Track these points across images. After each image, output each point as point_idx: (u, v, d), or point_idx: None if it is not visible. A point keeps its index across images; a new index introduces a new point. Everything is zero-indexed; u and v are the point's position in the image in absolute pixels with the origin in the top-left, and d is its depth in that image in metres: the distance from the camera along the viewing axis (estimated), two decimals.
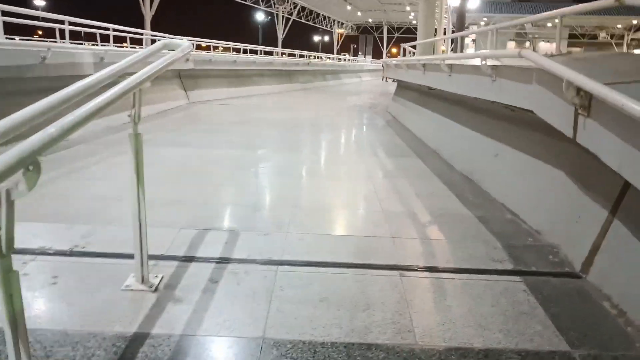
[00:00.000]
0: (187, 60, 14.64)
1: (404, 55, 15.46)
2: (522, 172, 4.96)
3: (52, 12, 10.27)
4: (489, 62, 5.10)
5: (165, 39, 3.68)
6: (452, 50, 15.95)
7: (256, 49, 23.75)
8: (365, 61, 54.09)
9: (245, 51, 23.12)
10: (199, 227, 4.06)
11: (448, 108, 7.71)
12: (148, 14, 27.52)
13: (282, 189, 5.60)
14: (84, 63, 8.49)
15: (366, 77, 44.62)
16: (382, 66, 15.59)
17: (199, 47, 22.66)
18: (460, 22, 17.90)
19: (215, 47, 21.16)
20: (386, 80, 33.05)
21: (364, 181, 6.05)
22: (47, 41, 9.64)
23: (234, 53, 22.64)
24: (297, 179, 6.15)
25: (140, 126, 2.96)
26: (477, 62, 5.76)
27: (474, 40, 33.42)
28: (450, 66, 6.83)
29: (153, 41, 17.31)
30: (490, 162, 5.76)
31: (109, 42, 12.86)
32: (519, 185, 4.94)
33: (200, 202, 4.84)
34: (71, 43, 10.13)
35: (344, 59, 46.42)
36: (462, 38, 9.33)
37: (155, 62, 3.17)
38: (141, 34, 16.17)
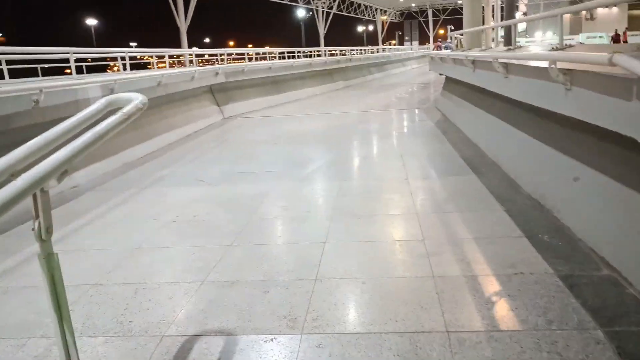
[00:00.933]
0: (217, 74, 13.80)
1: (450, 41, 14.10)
2: (615, 205, 3.71)
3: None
4: (560, 65, 3.85)
5: (110, 97, 2.66)
6: (503, 39, 14.41)
7: (293, 51, 22.75)
8: (412, 48, 52.24)
9: (283, 56, 22.19)
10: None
11: (509, 110, 6.41)
12: (183, 25, 26.99)
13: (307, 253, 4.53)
14: (90, 98, 7.69)
15: (413, 64, 42.95)
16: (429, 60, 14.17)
17: (230, 60, 21.85)
18: (510, 5, 16.26)
19: (250, 57, 20.27)
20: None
21: (407, 222, 4.88)
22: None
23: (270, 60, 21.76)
24: (318, 230, 5.05)
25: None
26: (538, 60, 4.51)
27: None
28: (506, 65, 5.56)
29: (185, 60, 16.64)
30: (569, 186, 4.49)
31: (133, 67, 12.17)
32: (613, 224, 3.69)
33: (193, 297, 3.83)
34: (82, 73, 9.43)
35: (387, 49, 44.82)
36: (515, 26, 7.97)
37: (72, 144, 2.13)
38: (162, 56, 15.34)
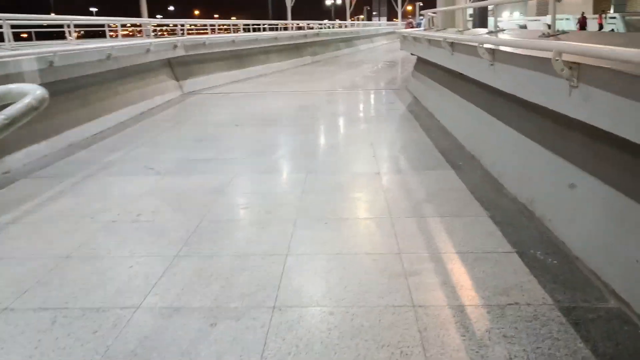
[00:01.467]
0: (175, 47, 12.89)
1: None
2: (620, 220, 3.20)
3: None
4: (565, 57, 3.28)
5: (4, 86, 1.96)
6: (471, 19, 13.90)
7: (259, 24, 21.78)
8: (380, 24, 51.41)
9: (248, 29, 21.21)
10: None
11: (492, 100, 5.86)
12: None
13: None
14: (24, 72, 6.85)
15: (381, 40, 42.22)
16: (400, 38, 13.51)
17: (192, 31, 20.75)
18: None
19: (212, 28, 19.15)
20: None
21: (380, 228, 4.31)
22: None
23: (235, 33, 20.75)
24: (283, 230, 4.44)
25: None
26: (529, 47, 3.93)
27: None
28: (493, 52, 4.97)
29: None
30: (563, 193, 3.97)
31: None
32: (618, 243, 3.19)
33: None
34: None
35: (356, 24, 43.89)
36: (496, 7, 7.32)
37: None
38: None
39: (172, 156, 6.99)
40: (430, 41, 8.66)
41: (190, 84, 13.98)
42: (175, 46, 12.78)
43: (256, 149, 7.29)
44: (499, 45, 4.81)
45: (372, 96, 12.54)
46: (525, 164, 4.79)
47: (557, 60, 3.26)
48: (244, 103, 11.92)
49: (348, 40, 31.55)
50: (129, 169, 6.42)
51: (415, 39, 10.42)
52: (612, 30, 17.22)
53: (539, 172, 4.48)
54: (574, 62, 3.23)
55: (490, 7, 14.62)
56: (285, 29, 29.11)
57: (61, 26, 11.03)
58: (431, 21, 13.84)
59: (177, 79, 13.53)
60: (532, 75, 3.94)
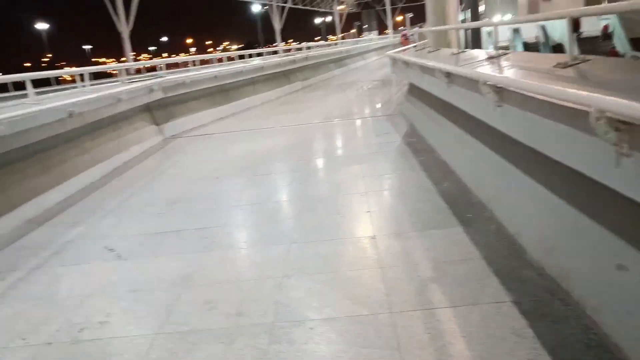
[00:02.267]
0: (152, 90, 12.07)
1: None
2: None
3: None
4: (610, 114, 2.38)
5: None
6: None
7: (244, 54, 21.02)
8: (371, 39, 50.83)
9: (232, 57, 20.43)
10: None
11: (502, 139, 4.94)
12: (125, 31, 24.98)
13: None
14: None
15: (372, 57, 41.48)
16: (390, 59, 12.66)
17: (172, 66, 20.01)
18: None
19: (196, 60, 18.39)
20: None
21: (378, 333, 3.39)
22: None
23: (221, 62, 19.96)
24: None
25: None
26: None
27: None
28: (499, 91, 4.08)
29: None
30: (609, 274, 3.05)
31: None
32: None
33: None
34: None
35: (345, 42, 43.22)
36: (496, 29, 6.48)
37: None
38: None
39: (139, 228, 6.10)
40: (423, 68, 7.79)
41: (171, 126, 13.15)
42: (151, 90, 11.97)
43: (234, 213, 6.40)
44: (508, 86, 3.91)
45: (365, 126, 11.65)
46: (550, 226, 3.87)
47: (600, 120, 2.36)
48: (227, 145, 11.06)
49: (338, 61, 30.81)
50: (85, 253, 5.52)
51: (406, 63, 9.58)
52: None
53: (569, 239, 3.56)
54: (624, 123, 2.33)
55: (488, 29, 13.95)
56: (275, 52, 28.46)
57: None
58: (421, 35, 13.01)
59: (157, 123, 12.70)
60: (559, 129, 3.05)
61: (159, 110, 12.95)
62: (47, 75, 11.02)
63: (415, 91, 10.67)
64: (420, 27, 36.50)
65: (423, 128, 9.45)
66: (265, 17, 52.82)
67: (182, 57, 16.86)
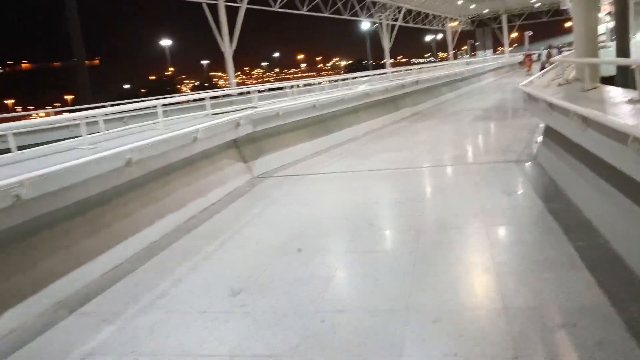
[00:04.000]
0: (239, 125, 10.60)
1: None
2: None
3: None
4: None
5: None
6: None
7: (347, 77, 19.31)
8: (485, 59, 47.59)
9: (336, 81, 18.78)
10: None
11: None
12: (229, 51, 24.24)
13: None
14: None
15: (489, 78, 38.48)
16: (526, 94, 10.25)
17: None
18: (623, 9, 12.07)
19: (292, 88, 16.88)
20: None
21: None
22: None
23: (322, 84, 18.37)
24: None
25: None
26: None
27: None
28: None
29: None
30: None
31: None
32: None
33: None
34: None
35: (459, 63, 40.42)
36: None
37: None
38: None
39: (180, 338, 4.43)
40: (588, 122, 5.53)
41: (262, 164, 11.64)
42: (237, 125, 10.50)
43: (316, 326, 4.52)
44: None
45: (489, 176, 9.37)
46: None
47: None
48: (318, 194, 9.31)
49: (451, 84, 28.37)
50: None
51: (551, 106, 7.30)
52: None
53: None
54: None
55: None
56: (383, 72, 26.58)
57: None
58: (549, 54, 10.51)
59: (244, 160, 11.24)
60: None
61: (247, 146, 11.50)
62: (123, 107, 9.85)
63: (555, 135, 8.31)
64: (550, 47, 33.08)
65: (573, 189, 7.12)
66: (375, 35, 51.24)
67: (277, 83, 15.53)
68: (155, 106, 9.89)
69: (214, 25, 23.25)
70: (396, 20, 47.54)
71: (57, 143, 7.73)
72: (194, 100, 18.93)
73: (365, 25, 60.46)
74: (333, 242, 6.64)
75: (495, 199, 7.88)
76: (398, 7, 46.16)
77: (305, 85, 19.56)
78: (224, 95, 22.47)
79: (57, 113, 23.21)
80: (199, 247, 6.93)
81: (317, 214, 7.98)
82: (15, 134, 7.06)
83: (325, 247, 6.48)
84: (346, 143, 14.78)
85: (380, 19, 44.93)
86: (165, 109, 11.77)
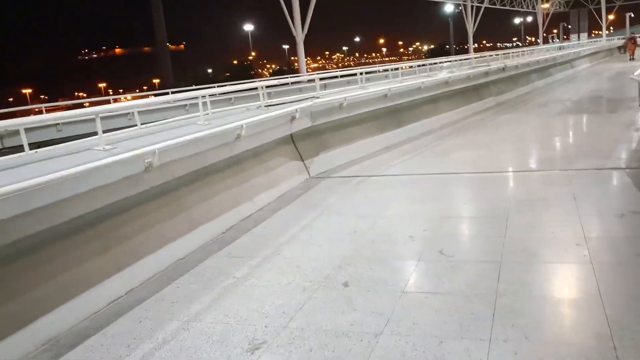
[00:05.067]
0: (294, 118, 9.37)
1: None
2: None
3: None
4: None
5: None
6: None
7: (424, 63, 17.61)
8: (580, 44, 43.82)
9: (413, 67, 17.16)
10: None
11: None
12: (300, 36, 23.05)
13: None
14: None
15: (584, 64, 35.18)
16: None
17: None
18: None
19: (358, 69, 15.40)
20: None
21: None
22: None
23: (389, 70, 16.77)
24: None
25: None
26: None
27: None
28: None
29: None
30: None
31: None
32: None
33: None
34: None
35: (551, 47, 37.21)
36: None
37: None
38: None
39: None
40: None
41: (321, 162, 10.38)
42: (293, 118, 9.26)
43: None
44: None
45: (588, 190, 7.58)
46: None
47: None
48: (382, 202, 7.94)
49: (541, 71, 25.83)
50: None
51: None
52: None
53: None
54: None
55: None
56: (465, 57, 24.51)
57: None
58: None
59: (301, 158, 10.02)
60: None
61: (306, 141, 10.26)
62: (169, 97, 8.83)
63: None
64: None
65: None
66: (459, 17, 48.47)
67: (346, 69, 14.22)
68: (204, 96, 8.80)
69: (285, 8, 22.11)
70: (482, 2, 44.65)
71: (52, 147, 6.77)
72: (268, 87, 17.91)
73: (448, 7, 57.64)
74: (390, 275, 5.28)
75: (602, 222, 6.20)
76: None
77: (382, 70, 17.99)
78: (292, 83, 21.43)
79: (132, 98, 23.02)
80: (229, 269, 5.77)
81: (375, 231, 6.63)
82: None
83: (379, 281, 5.13)
84: (420, 137, 13.23)
85: (465, 1, 42.27)
86: (219, 98, 10.68)
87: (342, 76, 18.36)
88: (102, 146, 5.86)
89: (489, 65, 19.75)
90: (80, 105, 19.75)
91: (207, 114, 9.03)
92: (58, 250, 4.86)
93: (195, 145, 6.66)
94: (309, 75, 17.79)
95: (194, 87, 21.68)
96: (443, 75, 16.49)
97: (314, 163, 10.25)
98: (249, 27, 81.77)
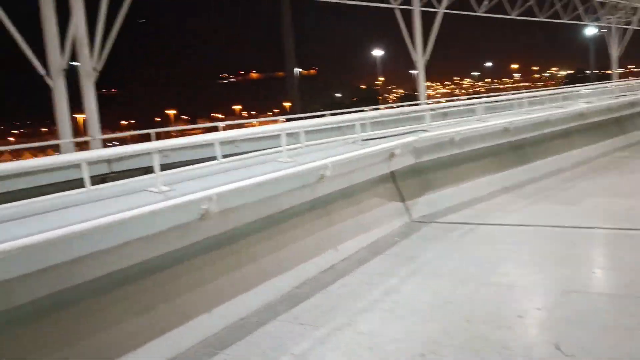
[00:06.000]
0: (394, 155, 8.26)
1: None
2: None
3: None
4: None
5: None
6: None
7: (554, 93, 15.67)
8: None
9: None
10: None
11: None
12: (421, 60, 21.87)
13: None
14: None
15: None
16: None
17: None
18: None
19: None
20: None
21: None
22: None
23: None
24: None
25: None
26: None
27: None
28: None
29: None
30: None
31: None
32: None
33: None
34: None
35: None
36: None
37: None
38: None
39: None
40: None
41: (425, 203, 9.17)
42: (392, 155, 8.16)
43: None
44: None
45: None
46: None
47: None
48: (490, 263, 6.55)
49: None
50: None
51: None
52: None
53: None
54: None
55: None
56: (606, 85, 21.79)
57: None
58: None
59: (402, 198, 8.88)
60: None
61: (409, 179, 9.11)
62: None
63: None
64: None
65: None
66: (601, 40, 44.40)
67: (465, 100, 12.72)
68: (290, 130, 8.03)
69: (405, 31, 21.08)
70: (629, 23, 40.47)
71: (111, 184, 6.20)
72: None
73: (589, 30, 53.28)
74: None
75: None
76: (633, 8, 39.12)
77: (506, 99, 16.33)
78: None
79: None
80: (287, 343, 4.79)
81: (474, 304, 5.34)
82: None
83: None
84: (547, 177, 11.50)
85: (609, 23, 38.53)
86: (317, 127, 9.88)
87: (458, 106, 16.94)
88: (158, 187, 5.18)
89: (635, 94, 17.26)
90: (215, 129, 19.86)
91: (301, 146, 8.26)
92: (76, 314, 4.18)
93: (268, 188, 5.82)
94: (420, 105, 16.47)
95: (295, 115, 21.25)
96: (578, 106, 14.49)
97: (417, 204, 9.05)
98: (378, 52, 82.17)
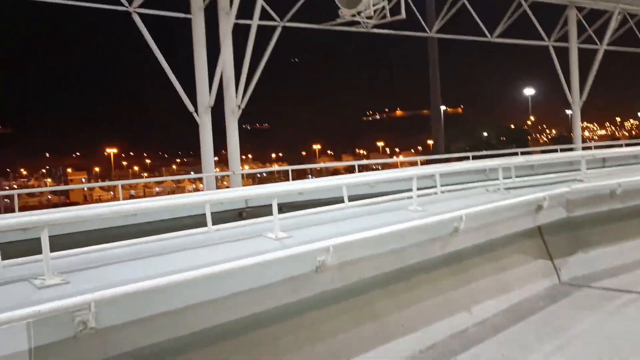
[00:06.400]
0: (542, 208, 7.33)
1: None
2: None
3: None
4: None
5: None
6: None
7: None
8: None
9: None
10: None
11: None
12: (577, 102, 20.11)
13: None
14: None
15: None
16: None
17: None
18: None
19: None
20: None
21: None
22: None
23: None
24: None
25: None
26: None
27: None
28: None
29: None
30: None
31: None
32: None
33: None
34: None
35: None
36: None
37: None
38: None
39: None
40: None
41: (578, 262, 8.04)
42: (539, 208, 7.25)
43: None
44: None
45: None
46: None
47: None
48: None
49: None
50: None
51: None
52: None
53: None
54: None
55: None
56: None
57: None
58: None
59: (549, 256, 7.86)
60: None
61: (559, 234, 8.06)
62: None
63: None
64: None
65: None
66: None
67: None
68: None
69: (559, 70, 19.58)
70: None
71: (236, 224, 6.03)
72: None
73: None
74: None
75: None
76: None
77: None
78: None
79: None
80: None
81: None
82: None
83: None
84: None
85: None
86: (454, 171, 9.21)
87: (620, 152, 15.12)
88: (275, 234, 4.92)
89: None
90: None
91: (436, 192, 7.69)
92: None
93: (393, 241, 5.32)
94: (574, 151, 14.88)
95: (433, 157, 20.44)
96: None
97: (567, 264, 7.96)
98: (529, 91, 78.92)
